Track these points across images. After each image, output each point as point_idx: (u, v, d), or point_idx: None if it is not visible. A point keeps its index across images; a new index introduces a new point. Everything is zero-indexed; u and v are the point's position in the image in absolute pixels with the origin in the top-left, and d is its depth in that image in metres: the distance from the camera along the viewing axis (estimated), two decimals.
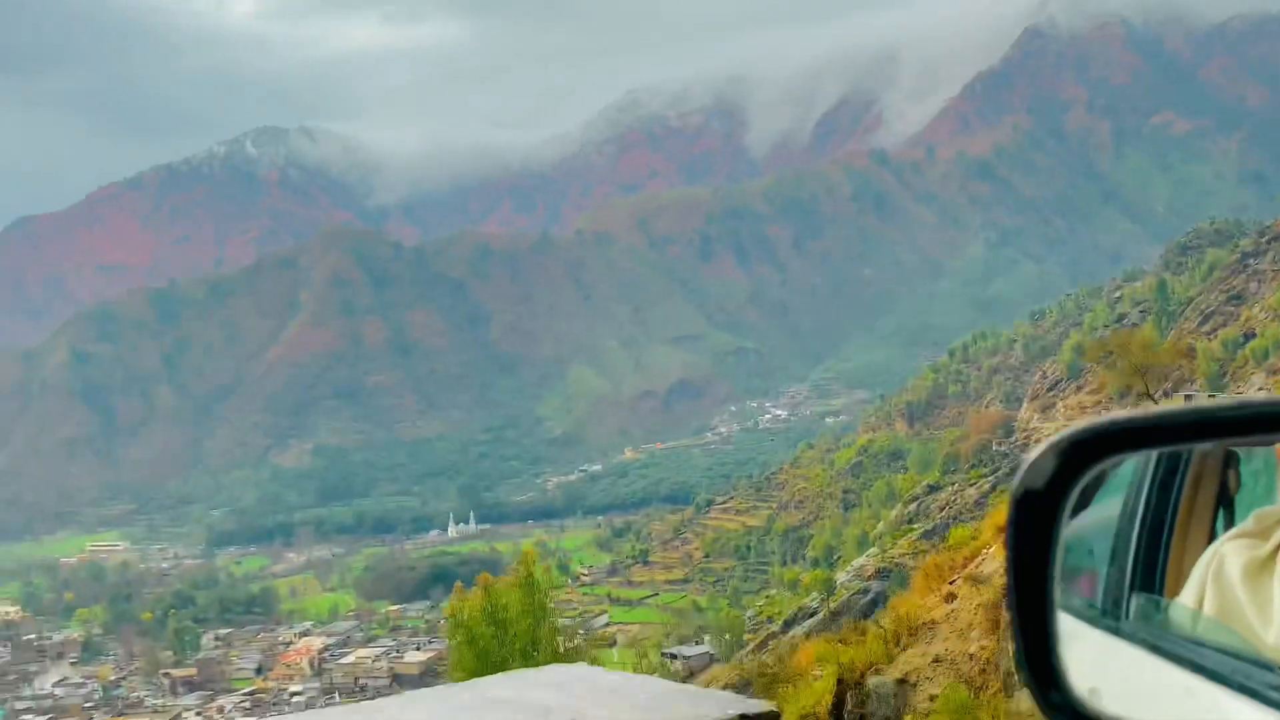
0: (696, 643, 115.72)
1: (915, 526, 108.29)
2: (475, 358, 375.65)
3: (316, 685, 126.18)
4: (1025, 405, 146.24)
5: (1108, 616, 2.57)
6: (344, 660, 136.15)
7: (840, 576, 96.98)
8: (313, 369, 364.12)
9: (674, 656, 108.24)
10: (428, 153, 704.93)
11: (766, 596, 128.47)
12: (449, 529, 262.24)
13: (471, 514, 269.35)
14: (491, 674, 7.51)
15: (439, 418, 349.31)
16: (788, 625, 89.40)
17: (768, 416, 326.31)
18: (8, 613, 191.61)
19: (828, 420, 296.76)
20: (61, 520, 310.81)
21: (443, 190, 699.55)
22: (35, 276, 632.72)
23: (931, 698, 13.18)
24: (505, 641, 17.26)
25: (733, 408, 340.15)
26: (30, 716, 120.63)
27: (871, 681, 13.55)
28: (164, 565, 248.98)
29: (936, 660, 13.95)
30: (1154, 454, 2.62)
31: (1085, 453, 2.36)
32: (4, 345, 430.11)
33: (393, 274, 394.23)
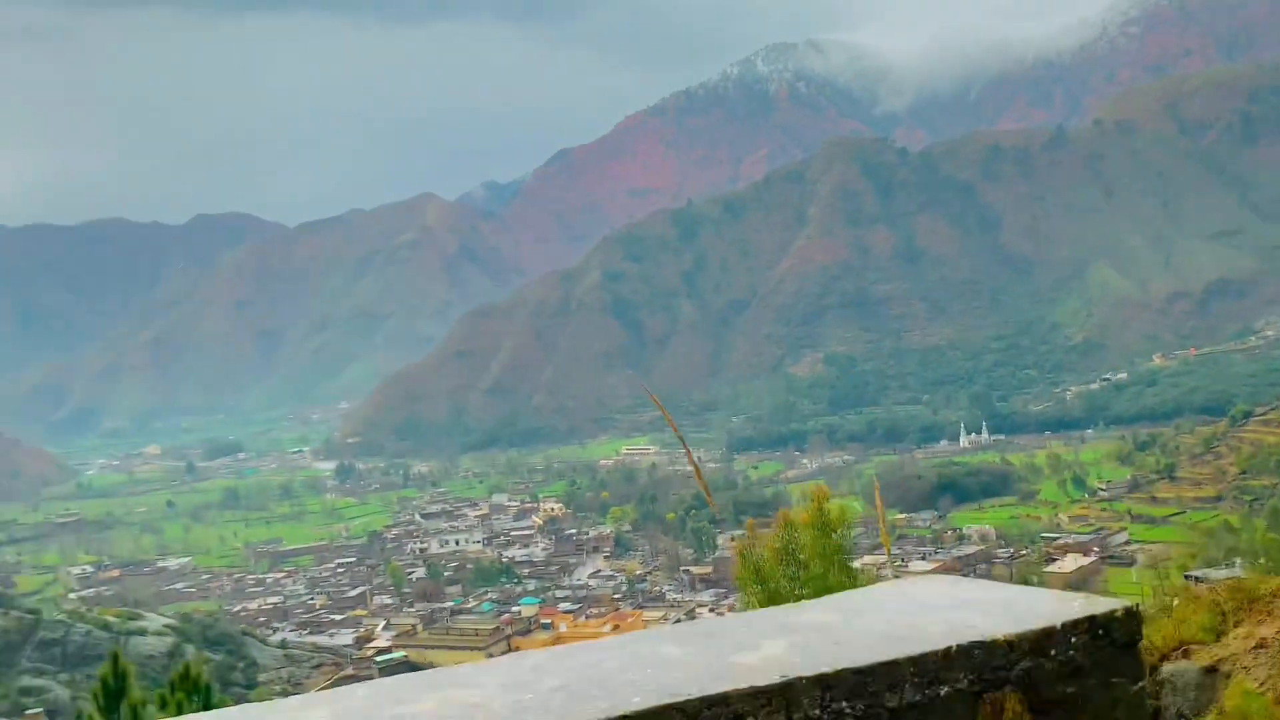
0: (1226, 565, 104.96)
1: None
2: (985, 263, 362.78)
3: None
4: None
5: None
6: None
7: None
8: (821, 280, 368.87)
9: (1198, 579, 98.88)
10: (936, 54, 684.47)
11: None
12: (960, 439, 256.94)
13: (984, 424, 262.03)
14: None
15: (949, 325, 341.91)
16: None
17: None
18: (553, 509, 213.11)
19: None
20: (600, 426, 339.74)
21: (952, 92, 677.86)
22: (574, 204, 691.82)
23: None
24: (801, 583, 15.50)
25: None
26: (567, 604, 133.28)
27: (1166, 669, 10.04)
28: (687, 469, 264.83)
29: (1260, 645, 10.13)
30: None
31: None
32: (549, 268, 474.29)
33: (899, 181, 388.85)
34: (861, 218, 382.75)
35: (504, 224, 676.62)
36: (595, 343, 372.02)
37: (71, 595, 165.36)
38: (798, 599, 17.24)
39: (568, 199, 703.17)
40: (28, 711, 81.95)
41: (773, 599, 14.67)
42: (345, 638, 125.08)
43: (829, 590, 17.42)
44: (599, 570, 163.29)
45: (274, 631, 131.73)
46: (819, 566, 15.82)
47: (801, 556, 16.08)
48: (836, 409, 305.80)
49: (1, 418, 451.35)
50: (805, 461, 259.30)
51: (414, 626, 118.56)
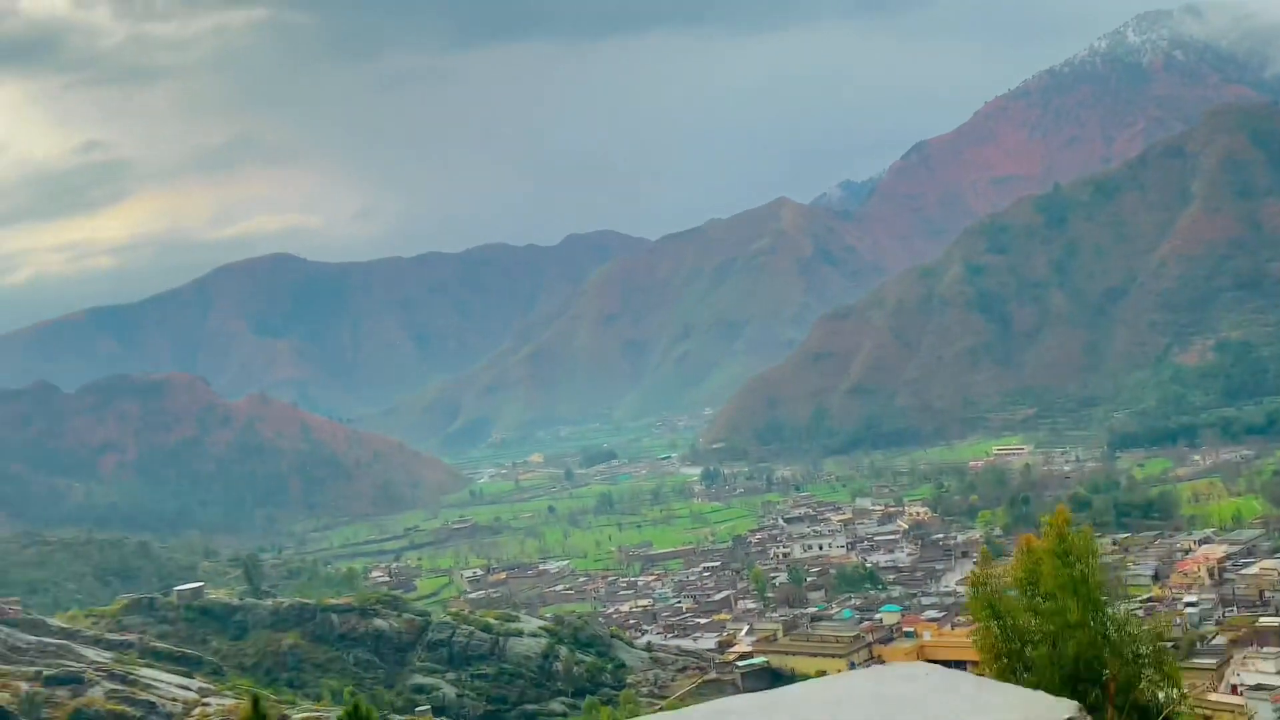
0: None
1: None
2: None
3: (1214, 596, 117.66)
4: None
5: None
6: (1246, 571, 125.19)
7: None
8: (1209, 260, 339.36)
9: None
10: None
11: None
12: None
13: None
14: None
15: None
16: None
17: None
18: (919, 513, 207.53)
19: None
20: (968, 425, 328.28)
21: None
22: (933, 197, 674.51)
23: None
24: (1044, 617, 12.97)
25: None
26: (932, 612, 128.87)
27: None
28: (1065, 468, 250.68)
29: None
30: None
31: None
32: (908, 265, 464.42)
33: None
34: (1253, 190, 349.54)
35: (860, 223, 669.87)
36: (959, 339, 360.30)
37: (463, 597, 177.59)
38: (1041, 634, 14.87)
39: (927, 193, 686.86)
40: (418, 710, 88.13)
41: (1009, 636, 12.56)
42: (708, 641, 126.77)
43: (1070, 629, 14.80)
44: (965, 577, 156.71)
45: (642, 634, 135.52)
46: (1061, 600, 13.42)
47: (1044, 590, 13.75)
48: (1231, 400, 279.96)
49: (405, 431, 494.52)
50: (1197, 458, 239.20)
51: (775, 632, 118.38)
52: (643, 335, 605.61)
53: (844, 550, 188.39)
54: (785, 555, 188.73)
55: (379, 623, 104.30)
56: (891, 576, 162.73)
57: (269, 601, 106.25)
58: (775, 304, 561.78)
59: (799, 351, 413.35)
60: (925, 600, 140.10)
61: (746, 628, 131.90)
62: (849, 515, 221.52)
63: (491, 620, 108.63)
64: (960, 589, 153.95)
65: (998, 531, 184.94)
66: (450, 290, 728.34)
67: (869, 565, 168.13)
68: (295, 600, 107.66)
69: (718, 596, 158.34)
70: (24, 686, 71.56)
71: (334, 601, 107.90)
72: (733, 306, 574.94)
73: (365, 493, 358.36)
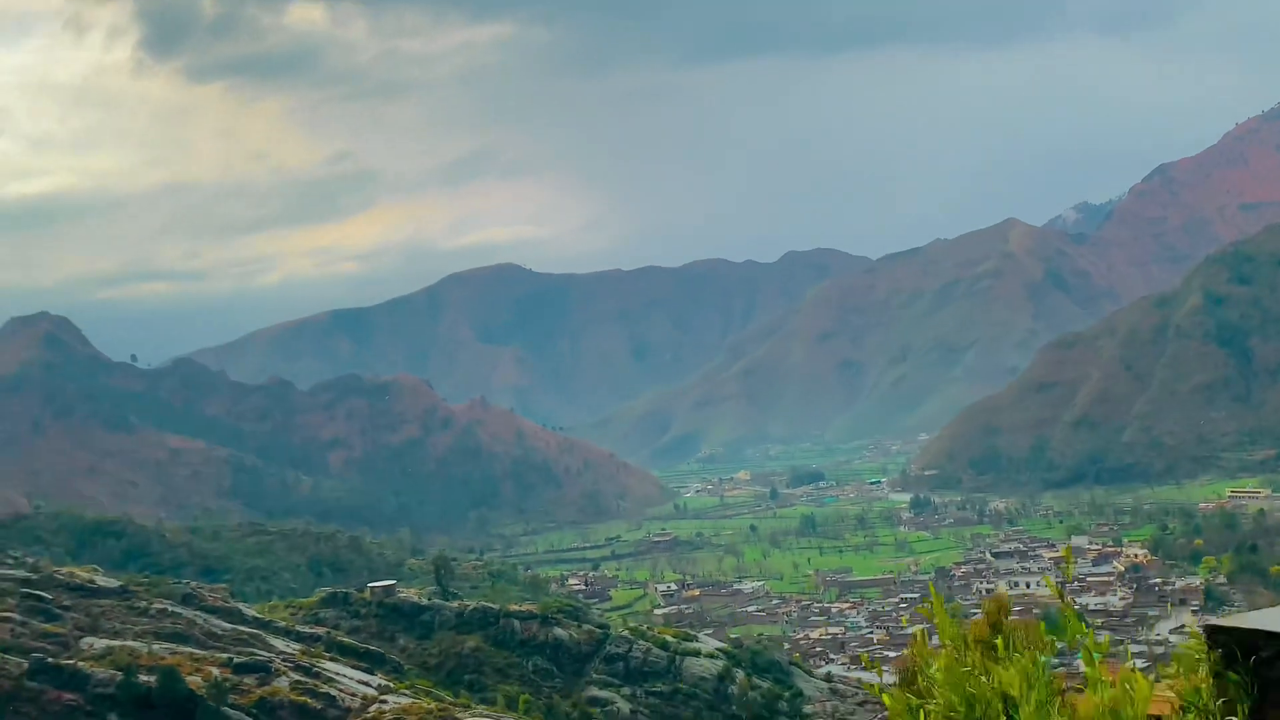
0: None
1: None
2: None
3: None
4: None
5: None
6: None
7: None
8: None
9: None
10: None
11: None
12: None
13: None
14: None
15: None
16: None
17: None
18: (1137, 555, 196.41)
19: None
20: (1201, 464, 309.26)
21: None
22: (1175, 222, 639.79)
23: None
24: None
25: None
26: (1141, 660, 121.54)
27: None
28: None
29: None
30: None
31: None
32: (1144, 291, 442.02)
33: None
34: None
35: (1095, 247, 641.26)
36: (1195, 373, 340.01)
37: (656, 611, 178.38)
38: None
39: (1169, 217, 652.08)
40: None
41: None
42: (893, 676, 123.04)
43: None
44: (1183, 626, 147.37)
45: (827, 662, 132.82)
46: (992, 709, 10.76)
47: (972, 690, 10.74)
48: None
49: (617, 441, 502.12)
50: None
51: None
52: (858, 356, 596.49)
53: (1049, 590, 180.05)
54: (989, 591, 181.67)
55: (559, 631, 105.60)
56: (1100, 620, 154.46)
57: (455, 603, 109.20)
58: (999, 329, 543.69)
59: (1021, 379, 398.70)
60: (1134, 648, 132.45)
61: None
62: (1062, 553, 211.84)
63: (669, 638, 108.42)
64: (1174, 638, 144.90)
65: (1221, 579, 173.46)
66: (668, 304, 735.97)
67: (1078, 606, 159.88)
68: (480, 603, 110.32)
69: (910, 629, 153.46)
70: (215, 672, 75.60)
71: (517, 608, 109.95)
72: (954, 330, 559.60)
73: (573, 500, 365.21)
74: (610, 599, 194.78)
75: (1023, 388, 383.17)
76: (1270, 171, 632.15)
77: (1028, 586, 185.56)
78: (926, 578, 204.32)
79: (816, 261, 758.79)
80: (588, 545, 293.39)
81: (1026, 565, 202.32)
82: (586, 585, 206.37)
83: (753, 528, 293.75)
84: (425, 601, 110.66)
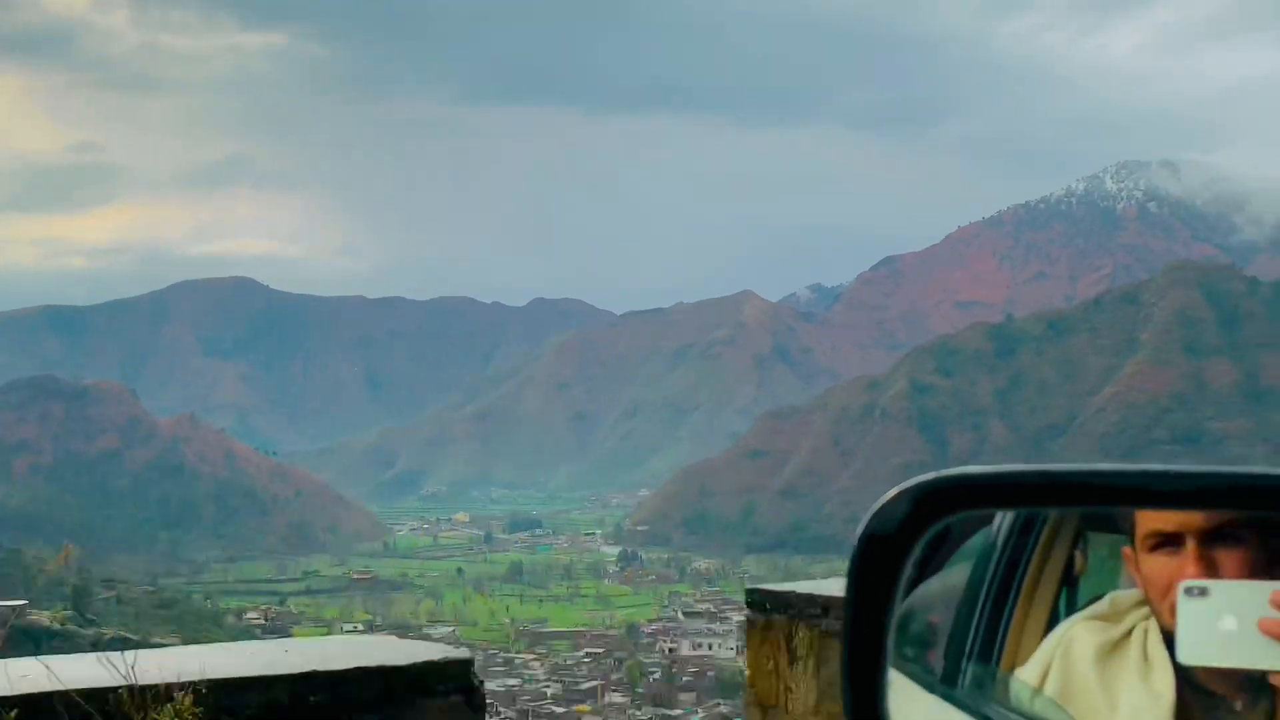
0: None
1: None
2: None
3: None
4: None
5: (944, 683, 2.44)
6: None
7: None
8: (1150, 410, 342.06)
9: None
10: None
11: None
12: None
13: None
14: None
15: None
16: None
17: None
18: None
19: None
20: None
21: None
22: (897, 311, 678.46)
23: None
24: None
25: None
26: None
27: None
28: None
29: None
30: (1004, 525, 2.47)
31: (935, 503, 2.23)
32: (861, 372, 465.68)
33: (1246, 312, 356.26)
34: (1201, 347, 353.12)
35: (823, 327, 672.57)
36: (895, 455, 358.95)
37: None
38: None
39: (891, 306, 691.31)
40: None
41: None
42: None
43: None
44: None
45: (495, 716, 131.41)
46: None
47: None
48: None
49: (338, 472, 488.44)
50: None
51: None
52: (592, 408, 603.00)
53: (735, 652, 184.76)
54: (671, 650, 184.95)
55: None
56: None
57: (91, 630, 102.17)
58: (726, 395, 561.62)
59: (739, 445, 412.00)
60: None
61: None
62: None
63: None
64: None
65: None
66: (409, 337, 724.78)
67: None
68: (119, 632, 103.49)
69: (586, 685, 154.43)
70: None
71: (161, 640, 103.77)
72: (684, 392, 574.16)
73: (278, 529, 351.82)
74: (291, 636, 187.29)
75: (739, 453, 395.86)
76: (986, 274, 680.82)
77: (710, 648, 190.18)
78: (616, 633, 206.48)
79: (563, 310, 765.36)
80: (283, 578, 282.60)
81: (714, 626, 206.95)
82: (266, 620, 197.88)
83: (460, 571, 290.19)
84: (58, 626, 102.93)
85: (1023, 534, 2.38)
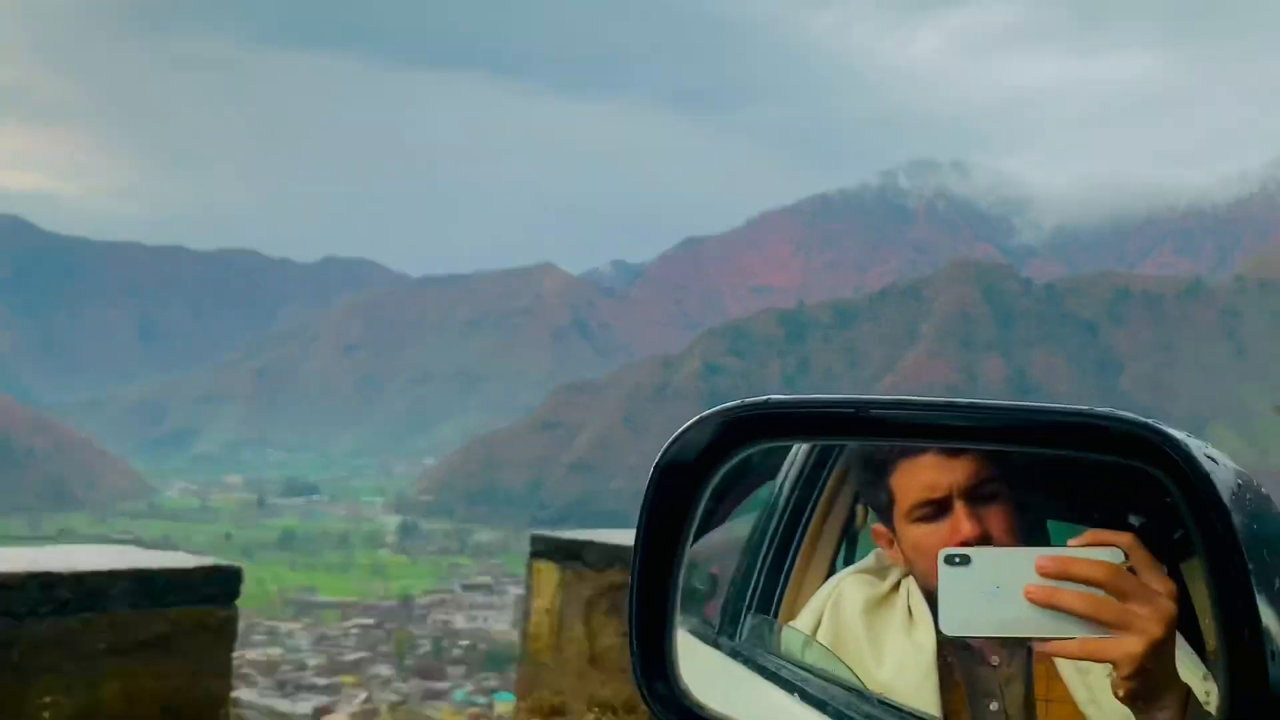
0: None
1: None
2: (1101, 405, 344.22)
3: None
4: None
5: (723, 634, 2.30)
6: None
7: None
8: None
9: None
10: (1082, 189, 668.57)
11: None
12: None
13: None
14: None
15: None
16: None
17: None
18: None
19: None
20: None
21: (1096, 229, 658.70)
22: (695, 292, 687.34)
23: None
24: None
25: None
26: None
27: None
28: None
29: None
30: (787, 479, 2.31)
31: (739, 431, 2.01)
32: (658, 351, 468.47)
33: (1020, 310, 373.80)
34: (975, 343, 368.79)
35: (622, 304, 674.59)
36: None
37: None
38: None
39: (690, 286, 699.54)
40: None
41: None
42: (307, 705, 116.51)
43: None
44: None
45: (250, 686, 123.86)
46: None
47: None
48: None
49: (105, 426, 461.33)
50: None
51: (380, 706, 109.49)
52: (381, 373, 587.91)
53: (508, 627, 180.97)
54: (445, 623, 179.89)
55: None
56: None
57: None
58: (521, 366, 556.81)
59: (531, 417, 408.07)
60: None
61: (364, 695, 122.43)
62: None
63: None
64: None
65: None
66: (188, 288, 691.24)
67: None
68: None
69: (351, 657, 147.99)
70: None
71: None
72: (478, 361, 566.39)
73: (32, 484, 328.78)
74: None
75: (530, 425, 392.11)
76: (782, 261, 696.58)
77: (484, 621, 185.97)
78: (389, 604, 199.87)
79: (355, 271, 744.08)
80: (36, 535, 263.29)
81: (491, 600, 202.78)
82: None
83: (229, 536, 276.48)
84: None
85: (807, 487, 2.34)
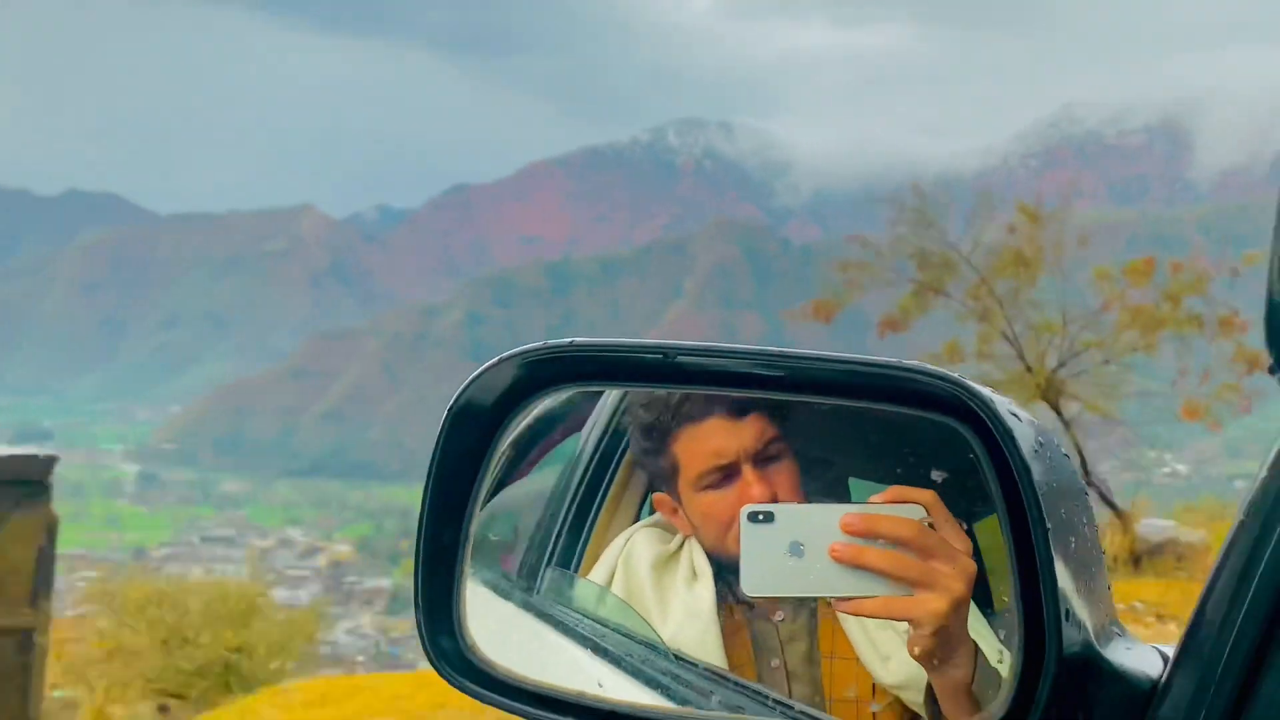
0: None
1: None
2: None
3: None
4: None
5: (519, 588, 2.24)
6: None
7: None
8: None
9: None
10: (840, 155, 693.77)
11: None
12: None
13: None
14: None
15: None
16: None
17: None
18: (341, 551, 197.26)
19: None
20: None
21: (851, 194, 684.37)
22: (463, 240, 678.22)
23: None
24: None
25: None
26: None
27: None
28: None
29: None
30: (592, 433, 2.26)
31: (537, 374, 1.86)
32: (420, 298, 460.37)
33: (777, 270, 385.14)
34: (735, 299, 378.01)
35: (386, 250, 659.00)
36: (447, 383, 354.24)
37: None
38: None
39: (458, 234, 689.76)
40: None
41: None
42: None
43: None
44: (359, 626, 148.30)
45: None
46: None
47: None
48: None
49: None
50: None
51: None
52: (125, 315, 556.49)
53: (246, 580, 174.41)
54: (180, 576, 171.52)
55: None
56: (284, 615, 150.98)
57: None
58: (275, 311, 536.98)
59: (282, 364, 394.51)
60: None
61: None
62: (272, 543, 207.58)
63: None
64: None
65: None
66: None
67: (262, 601, 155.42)
68: None
69: (73, 614, 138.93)
70: None
71: None
72: (229, 304, 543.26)
73: None
74: None
75: (281, 373, 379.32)
76: (552, 212, 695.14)
77: (222, 574, 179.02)
78: (120, 557, 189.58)
79: (100, 205, 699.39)
80: None
81: (231, 553, 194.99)
82: None
83: None
84: None
85: (614, 439, 2.27)
